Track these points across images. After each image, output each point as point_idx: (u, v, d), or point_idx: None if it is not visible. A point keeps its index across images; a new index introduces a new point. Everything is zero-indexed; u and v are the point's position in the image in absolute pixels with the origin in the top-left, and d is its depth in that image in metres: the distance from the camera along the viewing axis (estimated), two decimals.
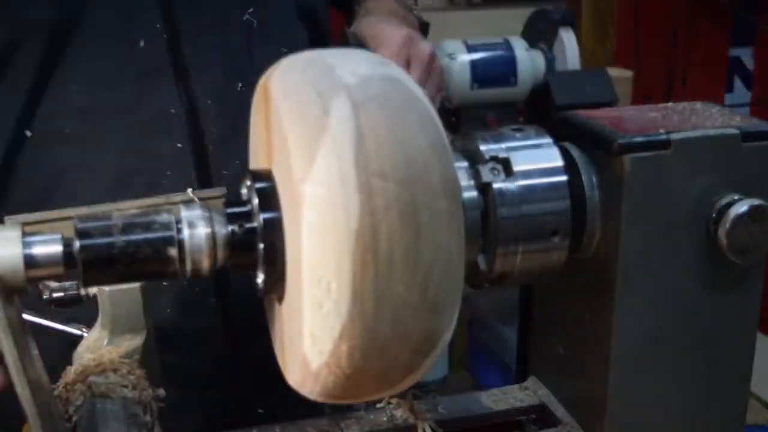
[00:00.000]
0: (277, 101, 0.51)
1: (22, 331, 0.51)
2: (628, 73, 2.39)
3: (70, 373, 0.66)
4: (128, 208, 0.55)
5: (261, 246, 0.52)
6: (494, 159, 0.60)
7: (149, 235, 0.51)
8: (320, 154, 0.47)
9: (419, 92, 0.52)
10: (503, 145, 0.61)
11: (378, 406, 0.70)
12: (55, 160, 0.84)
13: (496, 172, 0.60)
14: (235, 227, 0.53)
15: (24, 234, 0.50)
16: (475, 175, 0.60)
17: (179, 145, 0.85)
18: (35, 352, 0.54)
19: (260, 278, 0.53)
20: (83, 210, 0.58)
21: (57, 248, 0.50)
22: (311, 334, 0.48)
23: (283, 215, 0.52)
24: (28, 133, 0.83)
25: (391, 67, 0.53)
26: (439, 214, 0.48)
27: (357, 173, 0.47)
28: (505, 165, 0.60)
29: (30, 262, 0.50)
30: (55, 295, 0.68)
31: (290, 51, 0.55)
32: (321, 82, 0.50)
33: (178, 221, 0.52)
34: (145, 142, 0.84)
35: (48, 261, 0.50)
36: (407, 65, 0.91)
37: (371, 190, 0.47)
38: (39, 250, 0.50)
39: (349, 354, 0.47)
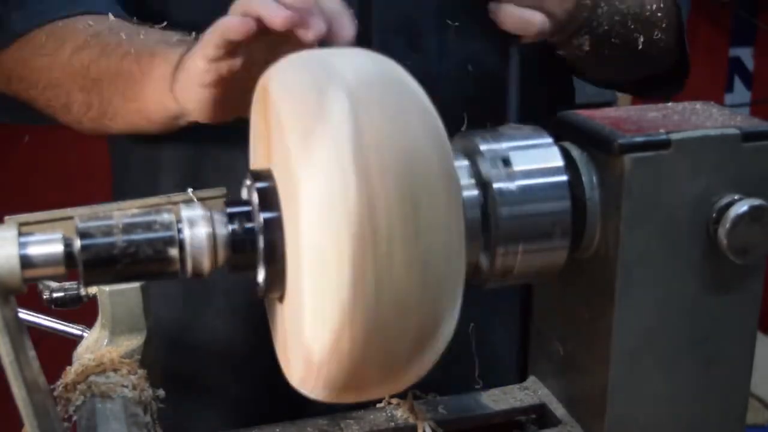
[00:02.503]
0: (274, 97, 0.52)
1: (18, 332, 0.51)
2: None
3: (70, 373, 0.66)
4: (129, 207, 0.55)
5: (261, 245, 0.52)
6: (494, 155, 0.60)
7: (150, 235, 0.51)
8: (317, 139, 0.48)
9: (416, 85, 0.52)
10: (503, 145, 0.61)
11: (378, 406, 0.70)
12: None
13: (495, 167, 0.60)
14: (235, 227, 0.53)
15: (20, 234, 0.50)
16: (476, 173, 0.60)
17: None
18: (32, 352, 0.54)
19: (261, 278, 0.53)
20: (83, 210, 0.58)
21: (58, 248, 0.50)
22: (313, 321, 0.48)
23: (283, 210, 0.52)
24: None
25: (389, 63, 0.53)
26: (438, 196, 0.49)
27: (354, 155, 0.47)
28: (505, 161, 0.60)
29: (26, 262, 0.50)
30: (55, 295, 0.68)
31: None
32: (318, 74, 0.51)
33: (179, 221, 0.52)
34: None
35: (47, 261, 0.50)
36: None
37: (369, 172, 0.47)
38: (37, 250, 0.50)
39: (351, 338, 0.48)
